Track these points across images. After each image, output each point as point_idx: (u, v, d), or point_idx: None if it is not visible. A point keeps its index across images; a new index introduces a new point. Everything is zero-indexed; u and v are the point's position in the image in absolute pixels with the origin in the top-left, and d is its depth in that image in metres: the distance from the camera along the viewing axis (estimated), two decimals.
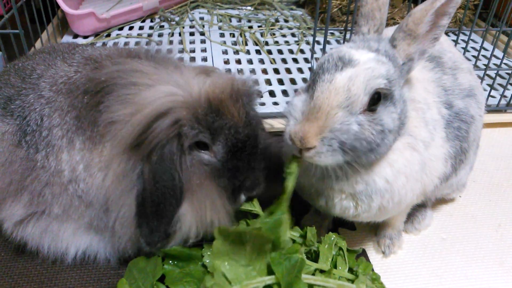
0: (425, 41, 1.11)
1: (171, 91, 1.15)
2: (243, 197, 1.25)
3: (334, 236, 1.30)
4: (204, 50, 2.73)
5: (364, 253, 1.50)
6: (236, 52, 2.72)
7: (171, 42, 2.80)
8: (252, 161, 1.22)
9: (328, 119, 1.01)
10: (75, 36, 2.86)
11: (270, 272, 1.14)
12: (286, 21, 3.22)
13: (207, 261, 1.24)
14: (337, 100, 1.02)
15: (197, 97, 1.16)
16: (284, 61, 2.65)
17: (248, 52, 2.74)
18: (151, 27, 3.00)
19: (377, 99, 1.05)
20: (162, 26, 3.02)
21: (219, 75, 1.26)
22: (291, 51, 2.78)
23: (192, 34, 2.95)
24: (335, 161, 1.05)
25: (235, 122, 1.18)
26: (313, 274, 1.21)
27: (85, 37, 2.84)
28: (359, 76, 1.03)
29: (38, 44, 2.47)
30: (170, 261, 1.25)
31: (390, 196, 1.16)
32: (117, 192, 1.18)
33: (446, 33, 3.03)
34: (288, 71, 2.55)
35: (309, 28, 3.05)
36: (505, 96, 2.28)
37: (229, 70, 2.49)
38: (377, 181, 1.14)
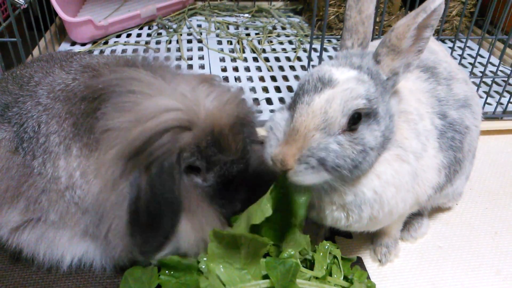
0: (410, 55, 1.10)
1: (173, 106, 1.16)
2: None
3: (328, 244, 1.30)
4: (201, 58, 2.74)
5: (360, 261, 1.50)
6: (234, 59, 2.73)
7: (168, 50, 2.81)
8: (236, 193, 1.27)
9: (306, 141, 1.02)
10: (73, 43, 2.86)
11: (265, 276, 1.14)
12: (283, 28, 3.23)
13: (203, 266, 1.24)
14: (314, 123, 1.02)
15: (202, 124, 1.18)
16: (281, 68, 2.66)
17: (245, 59, 2.75)
18: (148, 35, 3.01)
19: (357, 118, 1.05)
20: (159, 34, 3.03)
21: (222, 91, 1.27)
22: (288, 59, 2.79)
23: (189, 41, 2.96)
24: (318, 180, 1.05)
25: (231, 157, 1.22)
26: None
27: (83, 44, 2.84)
28: (336, 99, 1.02)
29: (35, 52, 2.47)
30: (166, 271, 1.25)
31: (379, 206, 1.16)
32: (109, 201, 1.18)
33: (443, 40, 3.05)
34: (285, 78, 2.56)
35: (306, 36, 3.06)
36: (501, 104, 2.29)
37: (226, 78, 2.50)
38: (366, 192, 1.14)
